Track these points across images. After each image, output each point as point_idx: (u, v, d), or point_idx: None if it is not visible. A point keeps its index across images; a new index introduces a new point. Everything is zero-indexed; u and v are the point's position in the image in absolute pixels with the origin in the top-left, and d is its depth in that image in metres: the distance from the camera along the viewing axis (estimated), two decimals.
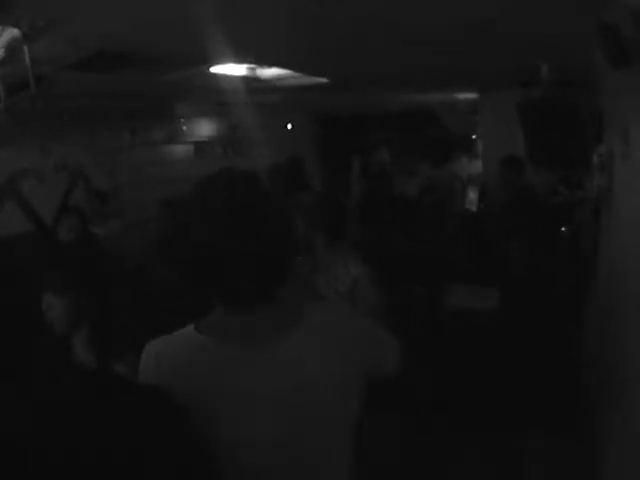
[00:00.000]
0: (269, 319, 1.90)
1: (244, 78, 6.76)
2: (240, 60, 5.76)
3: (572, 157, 7.19)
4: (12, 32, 3.61)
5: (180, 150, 11.52)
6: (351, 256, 4.44)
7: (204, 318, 1.94)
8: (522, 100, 7.77)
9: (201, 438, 1.71)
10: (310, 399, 1.87)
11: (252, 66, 6.28)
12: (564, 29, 4.42)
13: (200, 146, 11.83)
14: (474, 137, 14.28)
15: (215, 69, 6.02)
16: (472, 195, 10.87)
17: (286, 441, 1.87)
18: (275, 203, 1.90)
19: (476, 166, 12.62)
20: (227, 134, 12.38)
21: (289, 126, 14.05)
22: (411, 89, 10.57)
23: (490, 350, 6.11)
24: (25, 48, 3.67)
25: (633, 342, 3.19)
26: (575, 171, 8.15)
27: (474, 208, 10.70)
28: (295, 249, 2.04)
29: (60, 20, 3.49)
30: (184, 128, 11.52)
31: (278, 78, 7.18)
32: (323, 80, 7.80)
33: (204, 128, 12.06)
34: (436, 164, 13.90)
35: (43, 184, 8.03)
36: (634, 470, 2.99)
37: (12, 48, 3.80)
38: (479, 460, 4.98)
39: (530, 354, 6.08)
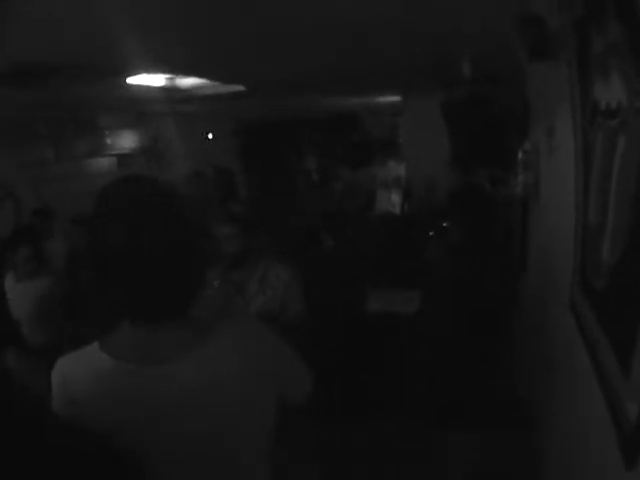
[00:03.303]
0: (174, 335, 1.81)
1: (163, 88, 6.68)
2: (156, 70, 5.67)
3: (497, 155, 7.24)
4: None
5: (104, 163, 11.28)
6: (279, 261, 4.44)
7: (110, 334, 1.84)
8: (445, 100, 7.82)
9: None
10: (214, 415, 1.79)
11: (170, 76, 6.20)
12: (485, 22, 4.42)
13: (123, 158, 11.61)
14: (400, 140, 14.37)
15: (133, 80, 5.91)
16: (395, 198, 10.93)
17: (191, 458, 1.79)
18: (183, 211, 1.81)
19: (400, 169, 12.68)
20: (149, 145, 12.23)
21: (210, 136, 13.95)
22: (332, 93, 10.58)
23: (415, 351, 6.14)
24: None
25: (564, 338, 3.19)
26: (502, 168, 8.22)
27: (397, 211, 10.75)
28: (204, 261, 1.94)
29: None
30: (108, 140, 11.37)
31: (197, 87, 7.11)
32: (240, 88, 7.74)
33: (126, 140, 11.89)
34: (357, 168, 13.97)
35: None
36: (574, 459, 2.99)
37: None
38: (415, 457, 4.97)
39: (458, 353, 6.09)
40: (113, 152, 11.49)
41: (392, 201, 11.01)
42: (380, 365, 6.04)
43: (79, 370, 1.81)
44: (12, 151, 8.89)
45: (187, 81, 6.67)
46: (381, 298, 7.05)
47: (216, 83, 7.10)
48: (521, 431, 4.83)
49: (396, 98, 11.98)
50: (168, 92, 7.02)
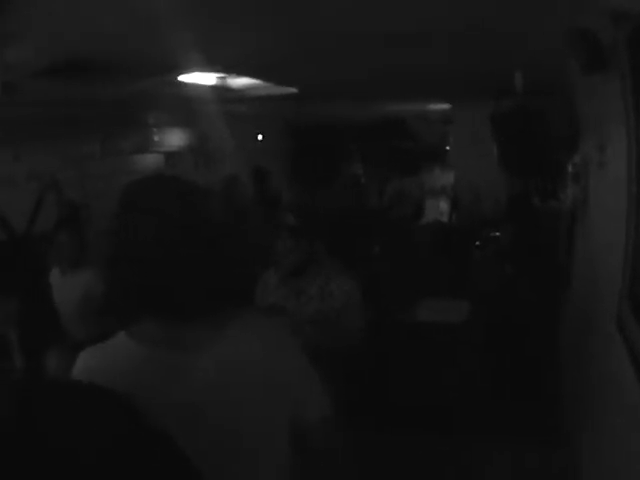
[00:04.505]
0: (201, 325, 1.82)
1: (214, 87, 6.70)
2: (209, 69, 5.68)
3: (546, 167, 7.17)
4: None
5: (150, 159, 11.31)
6: (341, 272, 4.40)
7: (136, 325, 1.85)
8: (495, 111, 7.75)
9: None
10: (235, 404, 1.81)
11: (222, 75, 6.21)
12: (537, 35, 4.38)
13: (171, 156, 11.64)
14: (447, 148, 14.28)
15: (184, 77, 5.94)
16: (443, 206, 10.85)
17: (213, 451, 1.75)
18: (215, 213, 1.83)
19: (448, 177, 12.60)
20: (197, 144, 12.25)
21: (260, 137, 13.95)
22: (382, 99, 10.55)
23: (462, 363, 6.08)
24: None
25: (612, 358, 3.14)
26: (550, 181, 8.14)
27: (445, 219, 10.68)
28: (232, 261, 1.93)
29: (28, 27, 3.41)
30: (155, 138, 11.40)
31: (248, 88, 7.12)
32: (293, 90, 7.74)
33: (175, 137, 11.92)
34: (405, 175, 13.89)
35: (15, 193, 7.90)
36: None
37: None
38: (456, 471, 4.94)
39: (503, 365, 6.05)
40: (160, 149, 11.55)
41: (441, 210, 10.94)
42: (426, 374, 6.00)
43: (107, 360, 1.82)
44: (58, 145, 8.95)
45: (239, 81, 6.68)
46: (429, 307, 7.01)
47: (268, 84, 7.11)
48: (560, 448, 4.79)
49: (446, 106, 11.92)
50: (219, 91, 7.04)
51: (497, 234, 8.87)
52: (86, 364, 1.84)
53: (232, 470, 1.83)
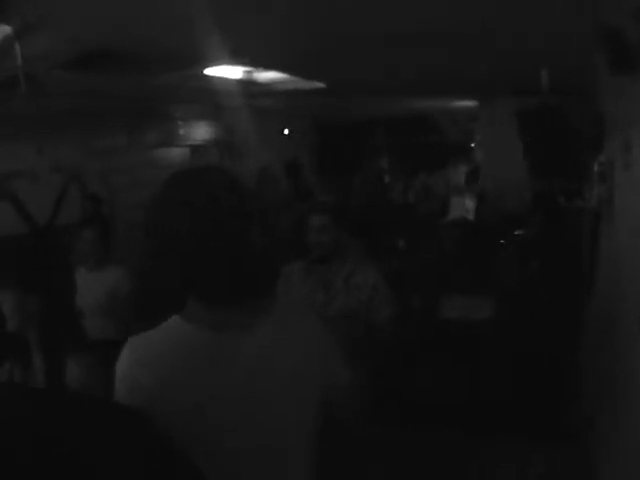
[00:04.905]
0: (244, 310, 1.87)
1: (240, 81, 6.70)
2: (235, 62, 5.69)
3: (571, 166, 7.14)
4: (3, 29, 3.54)
5: (176, 153, 11.39)
6: (366, 263, 4.40)
7: (185, 309, 1.88)
8: (521, 109, 7.73)
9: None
10: (278, 387, 1.87)
11: (249, 69, 6.22)
12: (564, 34, 4.36)
13: (196, 149, 11.71)
14: (472, 145, 14.25)
15: (210, 71, 5.95)
16: (469, 203, 10.81)
17: (257, 428, 1.85)
18: (255, 203, 1.85)
19: (474, 174, 12.56)
20: (223, 138, 12.28)
21: (286, 131, 13.96)
22: (409, 95, 10.53)
23: (485, 360, 6.06)
24: (17, 46, 3.60)
25: (636, 357, 3.13)
26: (575, 180, 8.10)
27: (471, 217, 10.64)
28: (275, 255, 1.97)
29: (52, 18, 3.42)
30: (181, 131, 11.43)
31: (275, 82, 7.13)
32: (320, 85, 7.74)
33: (201, 131, 11.97)
34: (431, 171, 13.86)
35: (37, 185, 7.95)
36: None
37: (3, 46, 3.73)
38: (478, 468, 4.93)
39: (526, 363, 6.03)
40: (186, 143, 11.59)
41: (466, 207, 10.89)
42: (452, 371, 5.99)
43: (162, 343, 1.84)
44: (81, 138, 8.98)
45: (265, 75, 6.68)
46: (453, 304, 7.00)
47: (295, 78, 7.11)
48: (579, 447, 4.77)
49: (472, 103, 11.90)
50: (245, 85, 7.04)
51: (522, 232, 8.85)
52: (138, 351, 1.84)
53: (268, 444, 1.89)
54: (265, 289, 1.90)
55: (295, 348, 1.94)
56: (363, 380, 4.15)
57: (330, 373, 2.09)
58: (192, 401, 1.74)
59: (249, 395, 1.82)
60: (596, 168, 5.37)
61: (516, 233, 8.92)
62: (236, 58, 5.46)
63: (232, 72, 6.21)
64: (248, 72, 6.38)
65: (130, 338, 1.87)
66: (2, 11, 3.14)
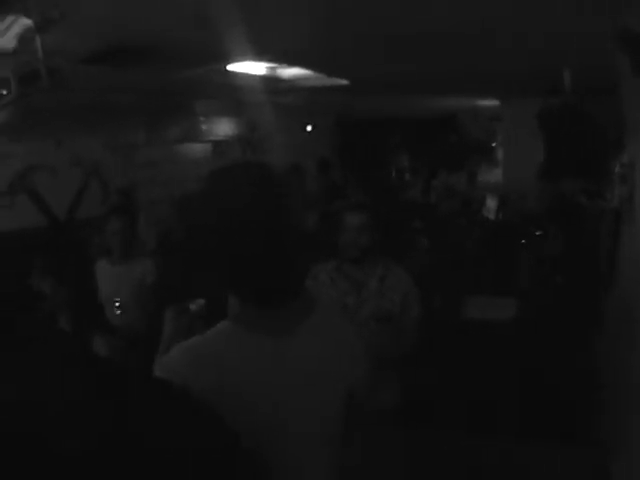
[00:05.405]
0: (289, 313, 1.91)
1: (263, 77, 6.72)
2: (259, 58, 5.70)
3: (593, 167, 7.13)
4: (24, 22, 3.56)
5: (198, 148, 11.38)
6: (398, 263, 4.36)
7: (235, 313, 1.92)
8: (543, 109, 7.72)
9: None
10: (315, 385, 1.92)
11: (272, 65, 6.24)
12: (587, 35, 4.36)
13: (218, 145, 11.71)
14: (494, 145, 14.22)
15: (233, 67, 5.97)
16: (491, 203, 10.77)
17: (300, 421, 1.90)
18: (293, 201, 1.88)
19: (495, 174, 12.54)
20: (246, 134, 12.30)
21: (309, 128, 13.97)
22: (432, 94, 10.53)
23: (508, 360, 6.05)
24: (38, 39, 3.62)
25: None
26: (596, 181, 8.08)
27: (492, 216, 10.61)
28: (307, 253, 2.01)
29: (74, 12, 3.45)
30: (203, 127, 11.44)
31: (298, 78, 7.14)
32: (344, 82, 7.75)
33: (223, 127, 11.97)
34: (453, 170, 13.84)
35: (57, 179, 7.99)
36: None
37: (24, 39, 3.75)
38: (496, 468, 4.93)
39: (548, 363, 6.02)
40: (208, 139, 11.60)
41: (488, 206, 10.86)
42: (473, 372, 5.98)
43: (217, 347, 1.86)
44: (103, 131, 9.00)
45: (289, 71, 6.69)
46: (476, 304, 6.99)
47: (319, 75, 7.12)
48: (598, 449, 4.76)
49: (495, 103, 11.87)
50: (269, 81, 7.06)
51: (543, 232, 8.83)
52: (191, 352, 1.86)
53: (307, 440, 1.95)
54: (294, 287, 1.92)
55: (331, 351, 1.98)
56: (393, 382, 4.19)
57: (356, 376, 2.11)
58: (248, 400, 1.79)
59: (294, 393, 1.86)
60: (617, 169, 5.36)
61: (537, 233, 8.90)
62: (260, 54, 5.47)
63: (255, 68, 6.23)
64: (271, 68, 6.39)
65: (181, 342, 1.91)
66: (23, 5, 3.18)
